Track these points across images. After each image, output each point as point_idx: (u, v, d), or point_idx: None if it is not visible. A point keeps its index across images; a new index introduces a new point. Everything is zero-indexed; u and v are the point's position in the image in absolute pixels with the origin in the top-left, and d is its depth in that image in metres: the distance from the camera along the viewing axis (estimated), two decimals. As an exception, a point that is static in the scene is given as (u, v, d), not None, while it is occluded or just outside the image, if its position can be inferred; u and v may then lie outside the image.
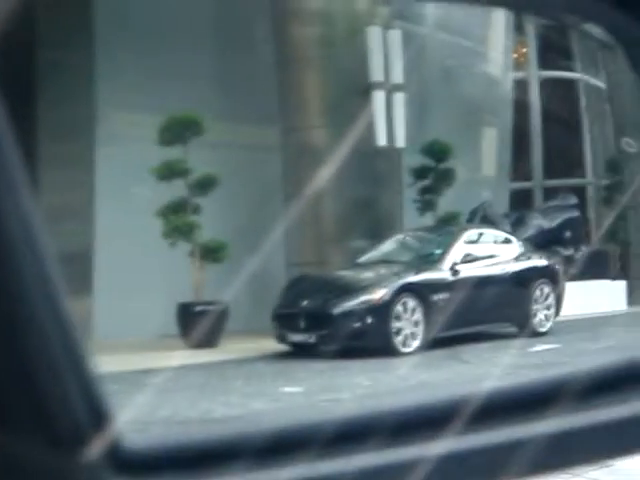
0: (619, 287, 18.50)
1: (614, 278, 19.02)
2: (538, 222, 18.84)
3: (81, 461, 0.58)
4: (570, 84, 24.55)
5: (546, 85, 23.82)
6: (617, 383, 0.79)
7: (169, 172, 13.61)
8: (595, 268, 17.66)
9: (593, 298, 16.85)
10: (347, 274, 13.17)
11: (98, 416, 0.60)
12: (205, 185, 13.77)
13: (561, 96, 24.72)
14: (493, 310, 12.87)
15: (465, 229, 14.33)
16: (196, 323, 13.11)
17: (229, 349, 12.49)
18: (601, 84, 23.52)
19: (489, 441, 0.72)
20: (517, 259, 13.82)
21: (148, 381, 9.51)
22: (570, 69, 24.17)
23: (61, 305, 0.61)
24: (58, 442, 0.59)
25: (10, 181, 0.58)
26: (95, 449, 0.58)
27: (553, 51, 24.08)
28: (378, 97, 15.17)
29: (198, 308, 13.30)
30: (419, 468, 0.67)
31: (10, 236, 0.58)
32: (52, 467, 0.59)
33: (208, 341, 12.70)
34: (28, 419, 0.60)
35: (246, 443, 0.65)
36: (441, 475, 0.69)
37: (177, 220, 13.56)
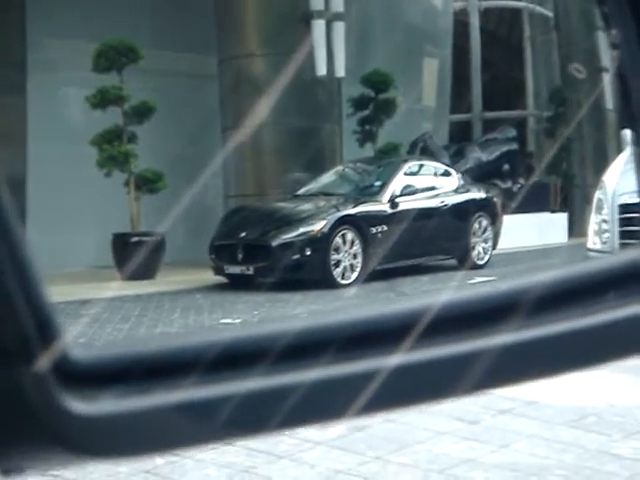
0: (560, 220, 18.59)
1: (554, 211, 19.12)
2: (477, 155, 18.86)
3: (28, 373, 0.59)
4: (514, 13, 24.39)
5: (488, 15, 23.67)
6: (570, 295, 0.75)
7: (104, 100, 13.29)
8: (535, 201, 17.71)
9: (533, 231, 16.93)
10: (286, 206, 13.02)
11: (46, 330, 0.60)
12: (141, 113, 13.48)
13: (504, 26, 24.61)
14: (432, 243, 12.86)
15: (405, 161, 14.22)
16: (132, 254, 12.91)
17: (166, 281, 12.38)
18: (548, 12, 23.31)
19: (443, 353, 0.70)
20: (456, 191, 13.79)
21: (84, 312, 9.41)
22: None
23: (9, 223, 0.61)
24: (4, 354, 0.59)
25: None
26: (43, 362, 0.59)
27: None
28: (318, 26, 14.93)
29: (134, 239, 13.12)
30: (372, 382, 0.66)
31: None
32: None
33: (144, 273, 12.54)
34: None
35: (197, 355, 0.64)
36: (395, 388, 0.69)
37: (112, 149, 13.26)
